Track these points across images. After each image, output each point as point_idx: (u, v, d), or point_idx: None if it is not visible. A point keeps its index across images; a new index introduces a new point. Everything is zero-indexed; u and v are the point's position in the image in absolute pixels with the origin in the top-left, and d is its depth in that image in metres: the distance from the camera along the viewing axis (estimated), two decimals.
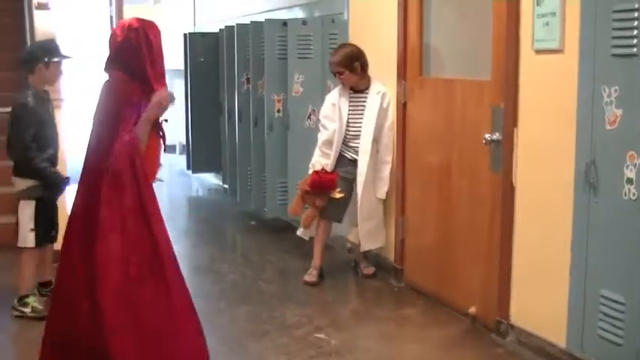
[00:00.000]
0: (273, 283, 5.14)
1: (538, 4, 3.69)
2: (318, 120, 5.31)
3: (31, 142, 4.34)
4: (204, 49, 8.04)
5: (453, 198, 4.51)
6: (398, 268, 5.09)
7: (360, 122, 5.06)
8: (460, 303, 4.44)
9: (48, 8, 6.44)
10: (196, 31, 8.91)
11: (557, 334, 3.65)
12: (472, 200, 4.33)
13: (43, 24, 6.27)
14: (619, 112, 3.23)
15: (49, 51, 4.49)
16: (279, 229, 6.50)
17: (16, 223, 4.52)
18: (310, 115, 6.09)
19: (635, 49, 3.13)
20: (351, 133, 5.08)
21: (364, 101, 5.07)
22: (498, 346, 4.01)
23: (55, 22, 6.41)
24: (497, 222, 4.09)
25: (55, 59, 4.49)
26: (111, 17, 11.72)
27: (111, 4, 11.71)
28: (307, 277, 5.09)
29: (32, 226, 4.46)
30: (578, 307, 3.50)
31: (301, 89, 6.10)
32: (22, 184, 4.46)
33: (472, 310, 4.30)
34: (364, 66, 5.06)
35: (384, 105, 5.05)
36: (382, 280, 5.16)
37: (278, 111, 6.38)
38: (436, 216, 4.69)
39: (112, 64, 3.41)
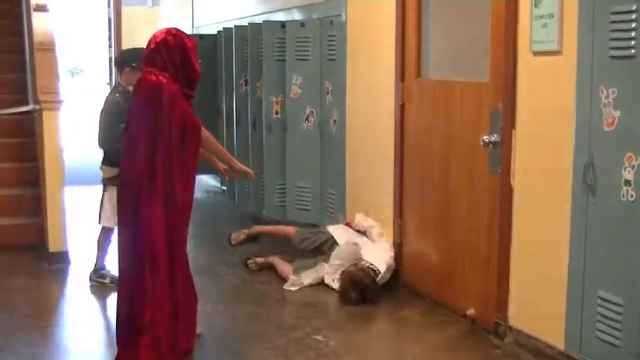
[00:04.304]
0: (271, 285, 5.14)
1: (536, 6, 3.69)
2: None
3: (122, 136, 4.93)
4: (203, 51, 7.97)
5: (451, 199, 4.51)
6: (396, 270, 5.08)
7: None
8: (459, 304, 4.44)
9: (46, 10, 6.43)
10: (194, 33, 8.91)
11: (555, 336, 3.65)
12: (470, 202, 4.33)
13: (42, 26, 6.26)
14: (617, 113, 3.24)
15: (137, 58, 5.04)
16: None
17: (100, 205, 5.18)
18: (308, 116, 6.09)
19: (633, 51, 3.13)
20: None
21: None
22: (497, 348, 4.01)
23: (54, 23, 6.40)
24: (496, 223, 4.09)
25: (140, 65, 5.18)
26: (109, 19, 11.73)
27: (109, 6, 11.72)
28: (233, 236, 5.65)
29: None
30: (576, 309, 3.50)
31: (299, 91, 6.10)
32: (110, 172, 5.07)
33: (470, 311, 4.30)
34: None
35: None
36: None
37: (276, 113, 6.38)
38: (434, 217, 4.69)
39: (146, 62, 3.82)
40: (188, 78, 3.83)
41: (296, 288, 5.00)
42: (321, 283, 5.05)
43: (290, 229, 5.56)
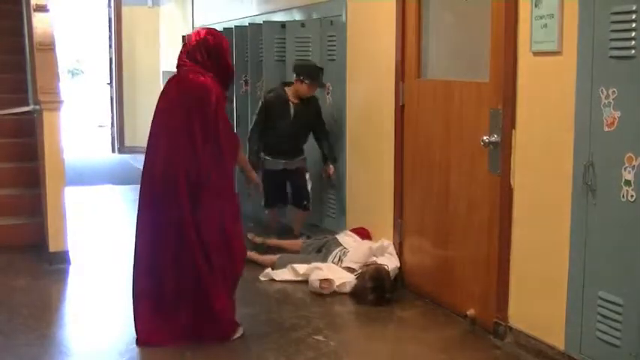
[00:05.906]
0: (271, 285, 5.14)
1: (536, 6, 3.69)
2: None
3: (253, 127, 5.84)
4: None
5: (451, 200, 4.51)
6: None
7: None
8: (459, 305, 4.44)
9: (47, 10, 6.43)
10: None
11: (555, 336, 3.65)
12: (471, 202, 4.33)
13: (42, 26, 6.26)
14: (617, 113, 3.24)
15: (308, 73, 5.64)
16: (277, 230, 6.48)
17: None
18: None
19: (633, 51, 3.13)
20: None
21: None
22: (497, 348, 4.01)
23: (54, 24, 6.40)
24: (496, 224, 4.09)
25: (307, 81, 5.64)
26: (109, 19, 11.73)
27: (109, 6, 11.72)
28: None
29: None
30: (576, 309, 3.50)
31: None
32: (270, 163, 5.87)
33: (471, 311, 4.30)
34: None
35: None
36: None
37: None
38: (435, 218, 4.69)
39: (188, 58, 3.99)
40: (223, 76, 4.04)
41: (265, 279, 5.19)
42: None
43: (299, 242, 5.73)
